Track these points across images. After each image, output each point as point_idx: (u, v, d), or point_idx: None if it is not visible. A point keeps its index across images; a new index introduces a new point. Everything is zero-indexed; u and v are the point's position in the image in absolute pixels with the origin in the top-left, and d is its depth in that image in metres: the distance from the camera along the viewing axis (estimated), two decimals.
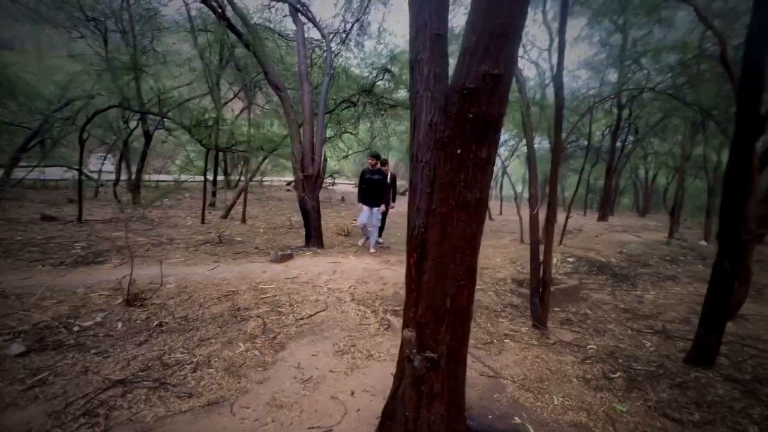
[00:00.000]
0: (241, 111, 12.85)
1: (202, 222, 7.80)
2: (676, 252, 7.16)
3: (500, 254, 6.16)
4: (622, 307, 3.87)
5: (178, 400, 1.94)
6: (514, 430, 1.80)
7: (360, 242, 6.22)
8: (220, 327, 2.91)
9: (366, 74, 11.14)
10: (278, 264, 4.52)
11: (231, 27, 5.60)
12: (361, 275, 4.38)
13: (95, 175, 12.23)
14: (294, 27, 7.09)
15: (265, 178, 20.89)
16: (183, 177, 9.64)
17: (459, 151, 1.23)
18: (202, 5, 6.72)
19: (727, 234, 2.53)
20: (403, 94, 11.85)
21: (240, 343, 2.63)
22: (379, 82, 11.04)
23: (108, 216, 7.57)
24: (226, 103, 11.05)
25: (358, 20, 7.88)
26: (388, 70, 11.17)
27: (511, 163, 24.49)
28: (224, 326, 2.92)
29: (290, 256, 4.81)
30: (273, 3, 7.60)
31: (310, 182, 5.73)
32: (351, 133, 14.29)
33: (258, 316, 3.11)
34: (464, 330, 1.44)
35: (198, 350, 2.51)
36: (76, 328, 2.77)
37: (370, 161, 5.88)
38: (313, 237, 5.82)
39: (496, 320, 3.44)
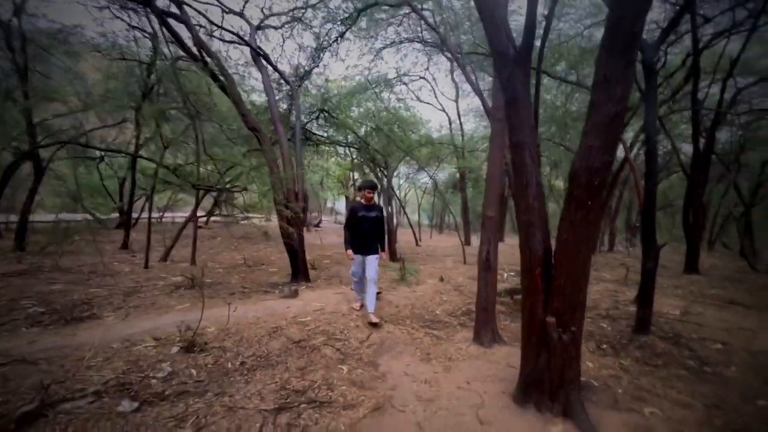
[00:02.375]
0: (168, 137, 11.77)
1: (146, 267, 7.07)
2: None
3: (459, 274, 7.27)
4: None
5: (348, 411, 2.27)
6: (585, 384, 2.66)
7: (356, 306, 4.49)
8: (300, 357, 3.13)
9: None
10: (294, 299, 4.69)
11: (212, 75, 5.67)
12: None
13: None
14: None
15: (165, 215, 18.89)
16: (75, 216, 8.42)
17: (589, 203, 2.11)
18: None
19: (648, 244, 3.98)
20: (331, 132, 12.73)
21: (339, 366, 2.95)
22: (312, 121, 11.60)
23: (13, 268, 6.31)
24: (175, 136, 10.06)
25: (310, 70, 8.52)
26: (324, 110, 11.82)
27: (409, 193, 27.05)
28: (303, 356, 3.15)
29: (297, 292, 4.99)
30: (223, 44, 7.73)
31: (295, 221, 5.98)
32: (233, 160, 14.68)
33: (325, 344, 3.41)
34: (584, 313, 2.28)
35: (309, 376, 2.76)
36: (154, 381, 2.70)
37: (366, 194, 4.31)
38: (301, 272, 6.03)
39: (510, 322, 4.36)
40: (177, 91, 7.85)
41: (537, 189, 2.44)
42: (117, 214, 15.08)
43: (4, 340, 3.23)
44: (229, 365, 2.97)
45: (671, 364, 3.22)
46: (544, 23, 4.59)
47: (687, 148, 11.74)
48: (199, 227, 17.92)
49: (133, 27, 8.33)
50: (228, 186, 5.76)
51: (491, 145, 3.83)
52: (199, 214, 20.97)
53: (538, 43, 4.19)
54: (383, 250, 4.46)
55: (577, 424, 2.14)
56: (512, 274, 7.29)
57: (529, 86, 2.58)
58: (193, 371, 2.85)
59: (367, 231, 4.28)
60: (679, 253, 9.18)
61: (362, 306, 4.38)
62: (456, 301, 5.16)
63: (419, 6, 6.23)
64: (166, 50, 7.97)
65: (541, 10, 6.00)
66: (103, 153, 12.21)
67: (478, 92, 5.26)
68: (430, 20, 6.54)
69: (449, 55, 10.33)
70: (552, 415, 2.21)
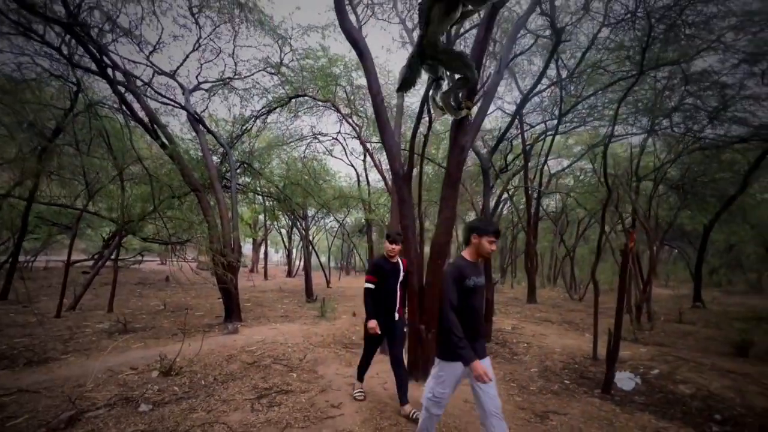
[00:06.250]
0: None
1: (58, 316, 7.06)
2: None
3: None
4: None
5: (304, 394, 3.60)
6: None
7: None
8: (258, 372, 4.30)
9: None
10: (237, 335, 5.68)
11: (162, 145, 6.61)
12: (303, 334, 6.14)
13: None
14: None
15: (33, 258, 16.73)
16: None
17: (438, 261, 4.00)
18: None
19: (487, 281, 6.21)
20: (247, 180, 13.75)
21: (290, 373, 4.22)
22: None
23: None
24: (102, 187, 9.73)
25: (241, 134, 9.77)
26: (245, 163, 12.79)
27: (318, 236, 28.39)
28: (260, 372, 4.31)
29: (238, 329, 5.97)
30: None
31: (232, 268, 6.97)
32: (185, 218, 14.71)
33: (274, 363, 4.61)
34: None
35: (270, 380, 3.98)
36: (150, 394, 3.62)
37: (485, 241, 2.35)
38: (235, 313, 6.92)
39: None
40: (103, 141, 8.23)
41: (415, 252, 4.29)
42: None
43: None
44: (203, 382, 4.00)
45: (497, 356, 5.27)
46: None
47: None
48: (85, 272, 16.41)
49: (56, 76, 8.54)
50: (174, 239, 6.44)
51: (391, 213, 5.70)
52: (80, 257, 18.96)
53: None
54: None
55: None
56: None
57: (411, 191, 4.51)
58: (176, 388, 3.82)
59: (478, 310, 2.37)
60: None
61: None
62: None
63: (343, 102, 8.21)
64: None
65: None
66: None
67: (382, 175, 7.18)
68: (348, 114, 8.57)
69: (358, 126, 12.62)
70: (423, 381, 3.91)
